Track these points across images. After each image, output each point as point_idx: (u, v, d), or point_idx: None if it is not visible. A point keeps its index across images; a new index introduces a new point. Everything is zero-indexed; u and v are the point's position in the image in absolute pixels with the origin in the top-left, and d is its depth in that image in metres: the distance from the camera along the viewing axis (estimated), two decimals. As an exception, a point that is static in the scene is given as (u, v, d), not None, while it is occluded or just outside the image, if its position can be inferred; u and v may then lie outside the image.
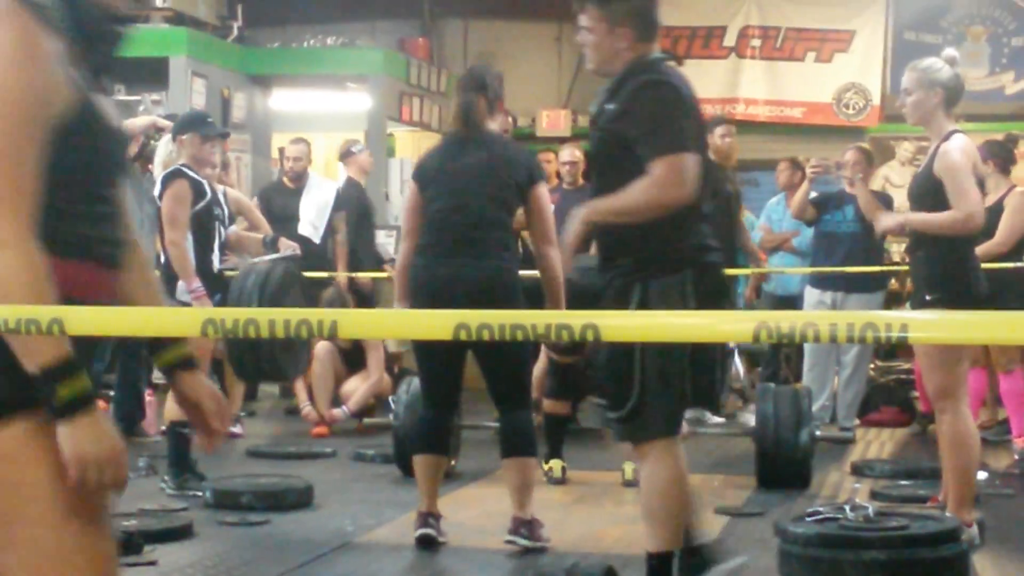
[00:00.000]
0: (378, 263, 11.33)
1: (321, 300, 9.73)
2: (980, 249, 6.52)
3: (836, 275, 9.51)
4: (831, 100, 14.97)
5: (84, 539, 2.51)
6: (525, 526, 6.08)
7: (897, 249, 11.76)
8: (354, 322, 2.40)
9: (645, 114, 4.66)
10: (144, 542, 5.98)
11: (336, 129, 14.28)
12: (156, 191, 7.57)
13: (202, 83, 12.28)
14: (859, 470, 8.29)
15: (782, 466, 7.67)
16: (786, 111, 15.06)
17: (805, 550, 5.18)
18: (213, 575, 5.77)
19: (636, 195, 4.62)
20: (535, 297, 6.19)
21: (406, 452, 7.25)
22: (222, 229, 7.77)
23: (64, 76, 2.49)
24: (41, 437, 2.44)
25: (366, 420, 9.77)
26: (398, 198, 13.25)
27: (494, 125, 6.21)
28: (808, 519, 5.36)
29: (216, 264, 7.69)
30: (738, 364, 10.16)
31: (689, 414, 10.13)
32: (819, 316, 2.20)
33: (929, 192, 5.98)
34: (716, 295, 4.73)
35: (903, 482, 7.74)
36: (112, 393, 9.57)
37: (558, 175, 11.15)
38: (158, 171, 7.84)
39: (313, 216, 10.85)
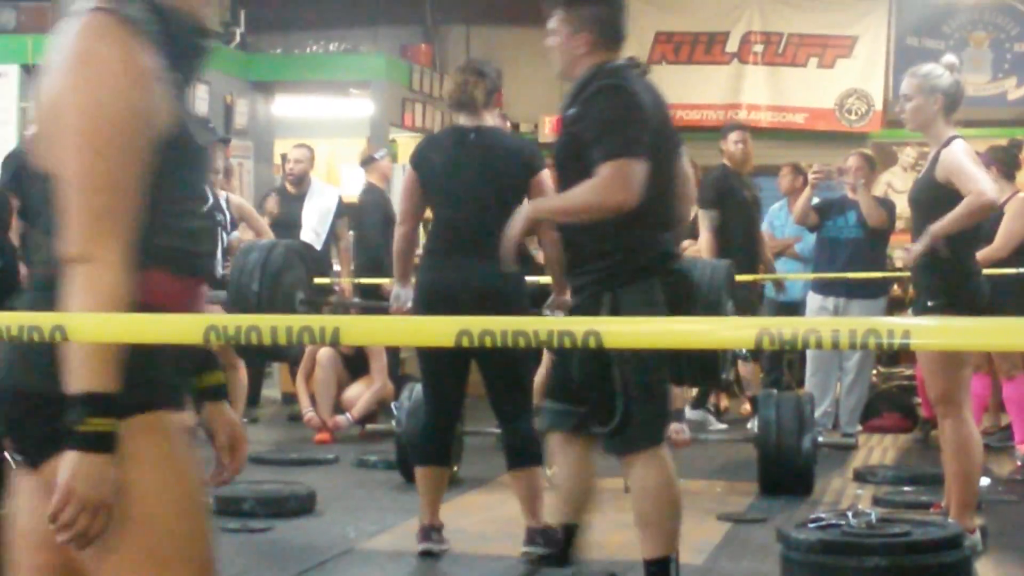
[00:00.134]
0: None
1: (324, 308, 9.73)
2: (979, 255, 6.52)
3: (838, 281, 9.49)
4: (833, 106, 14.98)
5: (188, 546, 2.52)
6: (540, 535, 6.10)
7: (900, 255, 11.76)
8: (356, 329, 2.40)
9: (598, 118, 4.72)
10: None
11: (338, 135, 14.30)
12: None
13: (204, 89, 12.29)
14: (861, 476, 8.27)
15: (784, 472, 7.67)
16: (788, 117, 15.06)
17: (807, 556, 5.17)
18: (215, 581, 5.76)
19: (579, 196, 4.71)
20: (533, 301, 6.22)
21: (408, 458, 7.24)
22: (224, 235, 7.77)
23: (163, 92, 2.50)
24: (153, 439, 2.45)
25: (368, 426, 9.77)
26: (400, 204, 13.24)
27: (491, 118, 6.21)
28: (810, 525, 5.35)
29: (219, 270, 7.69)
30: (749, 370, 10.14)
31: (695, 415, 10.17)
32: (821, 322, 2.20)
33: (930, 197, 5.98)
34: (684, 303, 4.78)
35: (905, 488, 7.74)
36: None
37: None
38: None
39: (315, 222, 10.85)
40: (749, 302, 9.43)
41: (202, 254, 2.64)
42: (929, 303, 5.99)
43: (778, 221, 11.11)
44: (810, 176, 9.70)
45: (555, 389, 5.18)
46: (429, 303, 5.96)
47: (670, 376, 8.41)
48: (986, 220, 6.42)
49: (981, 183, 5.80)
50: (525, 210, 4.92)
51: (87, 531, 2.38)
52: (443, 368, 6.13)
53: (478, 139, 6.08)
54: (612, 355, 4.68)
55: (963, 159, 5.85)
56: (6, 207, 8.31)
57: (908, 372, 11.09)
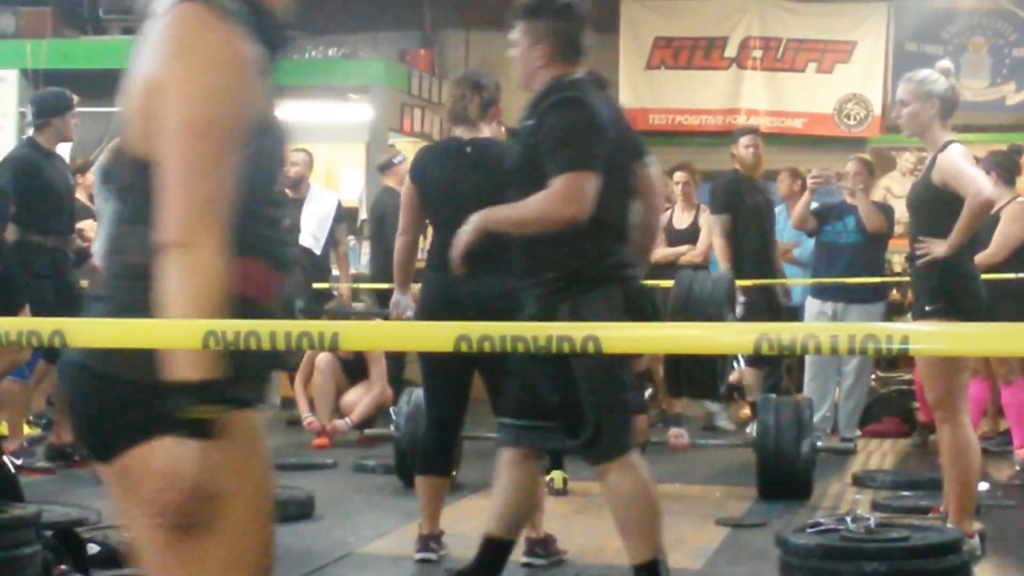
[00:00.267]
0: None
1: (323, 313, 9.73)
2: (976, 259, 6.53)
3: (837, 286, 9.50)
4: (832, 111, 14.99)
5: (253, 555, 2.54)
6: (539, 544, 6.12)
7: (898, 260, 11.77)
8: (355, 334, 2.40)
9: (554, 130, 4.76)
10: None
11: (337, 140, 14.29)
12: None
13: (203, 94, 12.29)
14: (860, 481, 8.28)
15: (783, 477, 7.67)
16: (787, 122, 15.06)
17: (806, 561, 5.17)
18: (214, 586, 5.76)
19: (532, 207, 4.74)
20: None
21: (407, 463, 7.25)
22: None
23: (260, 83, 2.53)
24: (232, 446, 2.45)
25: (367, 431, 9.77)
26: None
27: (488, 130, 6.22)
28: (809, 530, 5.36)
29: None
30: (748, 375, 10.14)
31: (713, 406, 10.14)
32: (820, 328, 2.21)
33: (927, 202, 5.99)
34: (641, 312, 4.81)
35: (904, 493, 7.74)
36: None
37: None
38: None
39: (314, 227, 10.84)
40: (763, 307, 9.48)
41: (288, 243, 2.65)
42: (927, 307, 5.99)
43: (777, 226, 11.12)
44: (809, 181, 9.70)
45: (514, 406, 5.17)
46: (431, 317, 5.95)
47: (669, 387, 8.43)
48: (983, 225, 6.43)
49: (978, 182, 5.82)
50: (476, 220, 4.89)
51: (190, 515, 2.39)
52: (446, 379, 6.12)
53: (474, 152, 6.08)
54: (576, 366, 4.72)
55: (960, 162, 5.87)
56: (5, 209, 8.31)
57: (907, 377, 11.09)
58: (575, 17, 4.98)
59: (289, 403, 11.14)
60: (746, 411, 10.56)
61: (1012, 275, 8.76)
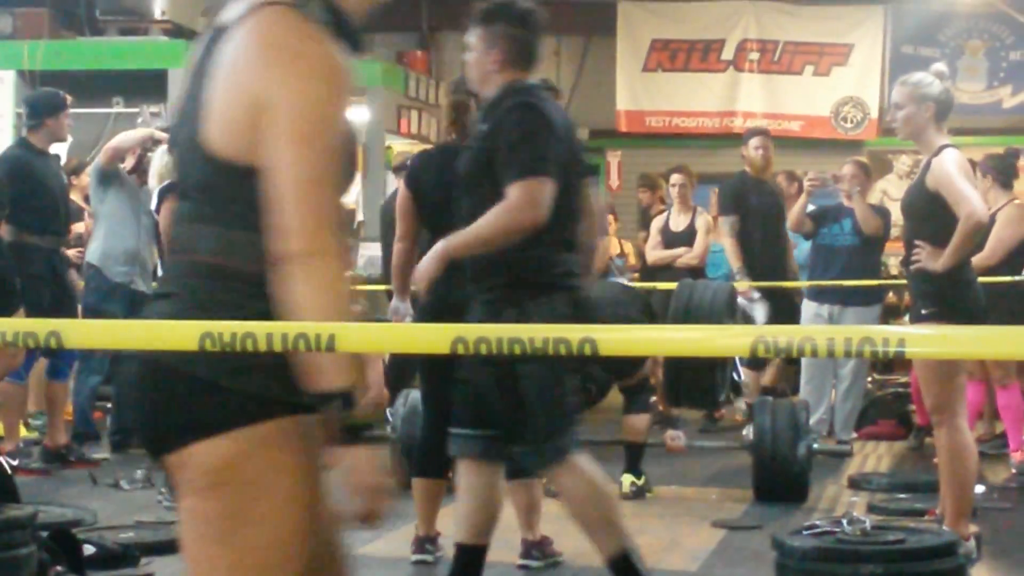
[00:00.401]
0: None
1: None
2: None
3: (833, 288, 9.50)
4: (829, 113, 15.00)
5: (296, 558, 2.55)
6: (536, 547, 6.12)
7: (895, 262, 11.77)
8: (352, 336, 2.40)
9: (509, 135, 4.77)
10: (141, 554, 5.98)
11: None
12: (152, 204, 7.56)
13: (200, 95, 12.28)
14: (856, 483, 8.28)
15: (779, 479, 7.67)
16: (784, 124, 15.07)
17: (802, 564, 5.17)
18: (210, 588, 5.75)
19: (490, 223, 4.74)
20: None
21: (403, 465, 7.24)
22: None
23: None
24: (289, 443, 2.49)
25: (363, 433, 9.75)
26: (396, 211, 13.23)
27: None
28: (805, 532, 5.35)
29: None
30: (746, 378, 10.15)
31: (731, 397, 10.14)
32: (817, 330, 2.21)
33: (921, 205, 5.99)
34: (587, 320, 4.83)
35: (900, 495, 7.74)
36: (109, 405, 9.56)
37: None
38: (153, 183, 7.84)
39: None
40: (778, 307, 9.53)
41: (349, 248, 2.68)
42: (924, 311, 6.00)
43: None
44: (806, 183, 9.71)
45: (461, 415, 5.18)
46: (441, 310, 5.95)
47: (668, 397, 8.43)
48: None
49: (970, 202, 5.80)
50: (438, 249, 4.90)
51: (380, 509, 2.52)
52: (443, 381, 6.11)
53: None
54: (522, 372, 4.73)
55: (952, 172, 5.85)
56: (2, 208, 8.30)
57: (903, 379, 11.09)
58: (531, 24, 5.00)
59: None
60: (739, 416, 10.56)
61: (1007, 278, 8.77)
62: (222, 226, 2.50)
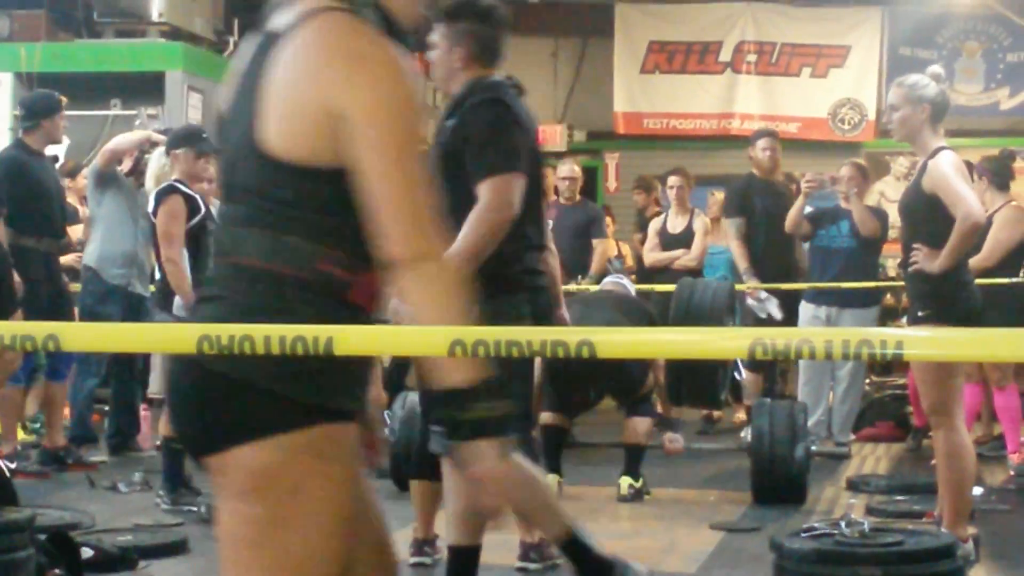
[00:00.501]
0: None
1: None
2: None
3: (831, 290, 9.50)
4: (826, 115, 15.01)
5: (335, 561, 2.56)
6: (534, 550, 6.11)
7: (892, 264, 11.78)
8: (349, 338, 2.40)
9: (477, 131, 4.77)
10: (139, 557, 5.98)
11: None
12: (150, 207, 7.56)
13: (198, 98, 12.29)
14: (855, 485, 8.28)
15: (778, 481, 7.67)
16: (781, 126, 15.05)
17: (801, 566, 5.17)
18: (208, 590, 5.76)
19: (475, 233, 4.67)
20: None
21: (402, 467, 7.24)
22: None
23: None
24: (331, 451, 2.51)
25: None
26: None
27: None
28: (804, 535, 5.35)
29: (210, 278, 7.68)
30: (747, 379, 10.15)
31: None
32: (814, 333, 2.21)
33: (918, 207, 6.00)
34: (547, 319, 4.82)
35: (899, 497, 7.74)
36: (107, 408, 9.56)
37: (555, 190, 11.15)
38: (150, 185, 7.84)
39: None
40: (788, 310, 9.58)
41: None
42: (921, 313, 6.00)
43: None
44: (803, 185, 9.71)
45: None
46: None
47: (670, 396, 8.43)
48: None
49: (967, 204, 5.80)
50: None
51: (501, 508, 2.55)
52: None
53: None
54: None
55: (948, 174, 5.85)
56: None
57: (901, 381, 11.09)
58: (495, 20, 5.00)
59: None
60: (742, 415, 10.56)
61: (1004, 280, 8.77)
62: (272, 230, 2.51)
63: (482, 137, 4.75)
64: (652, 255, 10.93)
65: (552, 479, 7.84)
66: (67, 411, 9.19)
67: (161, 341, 2.40)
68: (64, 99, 8.84)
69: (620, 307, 7.83)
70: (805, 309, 9.70)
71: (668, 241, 10.86)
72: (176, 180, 7.52)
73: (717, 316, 7.98)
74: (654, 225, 11.09)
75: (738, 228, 9.91)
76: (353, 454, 2.56)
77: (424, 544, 6.20)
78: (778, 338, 2.28)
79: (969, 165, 7.64)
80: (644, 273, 10.91)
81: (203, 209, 7.59)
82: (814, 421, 9.36)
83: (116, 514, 7.19)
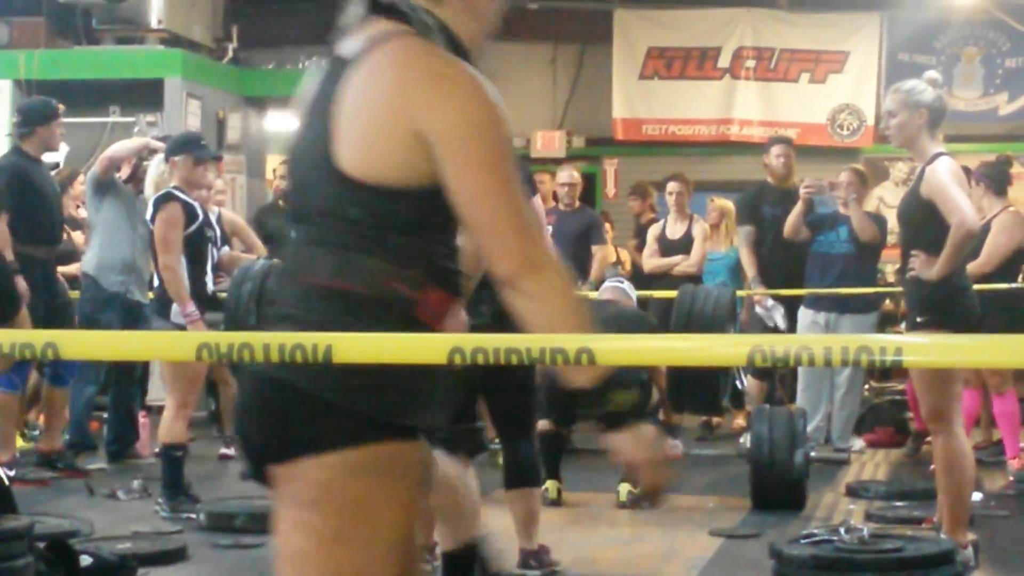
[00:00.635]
0: None
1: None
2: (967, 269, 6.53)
3: (830, 296, 9.51)
4: (825, 121, 15.00)
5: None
6: (533, 556, 6.11)
7: (891, 270, 11.78)
8: (349, 346, 2.41)
9: None
10: (138, 565, 5.97)
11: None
12: (148, 214, 7.56)
13: (197, 104, 12.29)
14: (854, 491, 8.28)
15: (777, 487, 7.67)
16: (780, 132, 15.05)
17: (800, 572, 5.17)
18: (207, 598, 5.75)
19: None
20: None
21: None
22: (215, 251, 7.77)
23: None
24: (397, 468, 2.53)
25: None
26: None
27: None
28: (803, 541, 5.36)
29: (210, 286, 7.69)
30: (750, 385, 10.16)
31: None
32: (813, 339, 2.22)
33: (917, 213, 6.00)
34: (501, 326, 4.83)
35: (898, 503, 7.74)
36: (105, 415, 9.55)
37: (554, 196, 11.15)
38: (149, 192, 7.84)
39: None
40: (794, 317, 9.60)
41: (459, 272, 2.70)
42: (919, 319, 6.00)
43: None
44: (801, 191, 9.71)
45: None
46: None
47: (672, 403, 8.42)
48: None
49: (961, 211, 5.80)
50: None
51: (662, 479, 2.67)
52: None
53: None
54: None
55: (945, 180, 5.85)
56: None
57: (900, 387, 11.09)
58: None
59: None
60: (741, 421, 10.56)
61: (1003, 285, 8.77)
62: (343, 249, 2.54)
63: None
64: (651, 261, 10.93)
65: (551, 485, 7.85)
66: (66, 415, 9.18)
67: (160, 349, 2.40)
68: (61, 106, 8.84)
69: (619, 323, 7.74)
70: (804, 315, 9.71)
71: (667, 247, 10.86)
72: (174, 187, 7.52)
73: (719, 324, 7.98)
74: (653, 231, 11.10)
75: (747, 236, 9.96)
76: (420, 474, 2.59)
77: (423, 551, 6.19)
78: (777, 345, 2.28)
79: (967, 170, 7.64)
80: (641, 279, 10.91)
81: (201, 216, 7.59)
82: (813, 427, 9.36)
83: (115, 522, 7.19)
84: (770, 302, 9.75)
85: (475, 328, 4.83)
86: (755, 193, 10.19)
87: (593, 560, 6.48)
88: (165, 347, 2.40)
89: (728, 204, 11.48)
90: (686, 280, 10.29)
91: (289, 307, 2.61)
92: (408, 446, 2.54)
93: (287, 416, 2.53)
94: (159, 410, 8.37)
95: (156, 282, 7.56)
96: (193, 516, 7.20)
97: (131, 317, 8.76)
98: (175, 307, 7.36)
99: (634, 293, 8.84)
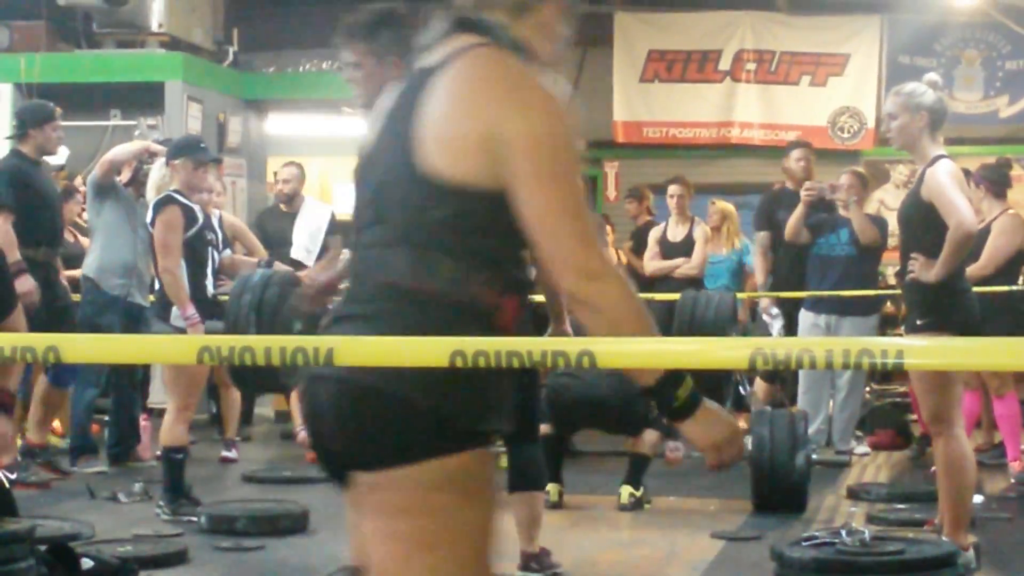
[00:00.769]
0: None
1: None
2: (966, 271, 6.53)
3: (831, 298, 9.51)
4: (826, 123, 15.00)
5: None
6: (535, 559, 6.10)
7: (892, 272, 11.78)
8: (350, 349, 2.41)
9: None
10: (139, 567, 5.97)
11: (331, 153, 14.29)
12: (148, 217, 7.57)
13: (198, 108, 12.30)
14: (855, 493, 8.28)
15: (778, 490, 7.67)
16: (781, 134, 15.06)
17: (801, 575, 5.17)
18: (208, 601, 5.75)
19: None
20: None
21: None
22: (215, 254, 7.77)
23: None
24: (482, 474, 2.58)
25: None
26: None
27: None
28: (804, 543, 5.35)
29: (210, 289, 7.69)
30: (759, 388, 10.16)
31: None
32: (815, 342, 2.22)
33: (917, 216, 6.00)
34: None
35: (899, 506, 7.73)
36: (107, 418, 9.56)
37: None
38: (151, 195, 7.84)
39: (306, 240, 10.83)
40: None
41: (528, 281, 2.77)
42: (919, 321, 6.00)
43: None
44: (802, 194, 9.71)
45: None
46: None
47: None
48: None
49: (959, 213, 5.80)
50: None
51: (738, 453, 2.74)
52: None
53: None
54: None
55: (944, 183, 5.86)
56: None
57: (901, 389, 11.10)
58: (410, 22, 4.94)
59: (283, 417, 11.15)
60: (743, 423, 10.56)
61: (1003, 288, 8.77)
62: (423, 249, 2.58)
63: None
64: (653, 264, 10.94)
65: (553, 488, 7.85)
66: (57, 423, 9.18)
67: (161, 352, 2.40)
68: (59, 110, 8.82)
69: None
70: (804, 317, 9.71)
71: (668, 250, 10.87)
72: (174, 191, 7.53)
73: (720, 329, 7.98)
74: (654, 234, 11.10)
75: (760, 242, 10.02)
76: (495, 478, 2.65)
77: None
78: (778, 348, 2.28)
79: (967, 173, 7.64)
80: (637, 282, 10.91)
81: (201, 219, 7.59)
82: (814, 429, 9.35)
83: (116, 525, 7.19)
84: (775, 310, 9.78)
85: None
86: (769, 199, 10.21)
87: (594, 562, 6.48)
88: (166, 350, 2.40)
89: (729, 207, 11.48)
90: (687, 282, 10.30)
91: (357, 307, 2.65)
92: (486, 452, 2.59)
93: (378, 424, 2.55)
94: (160, 413, 8.37)
95: (157, 285, 7.56)
96: (194, 519, 7.20)
97: (132, 320, 8.76)
98: (175, 310, 7.36)
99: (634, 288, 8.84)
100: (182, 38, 12.49)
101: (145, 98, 11.81)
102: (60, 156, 9.57)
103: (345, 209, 12.34)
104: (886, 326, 10.84)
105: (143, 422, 9.55)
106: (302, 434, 9.91)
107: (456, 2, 2.76)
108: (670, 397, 2.60)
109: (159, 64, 12.15)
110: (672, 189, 11.03)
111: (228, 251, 8.43)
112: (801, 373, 9.86)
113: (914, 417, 10.08)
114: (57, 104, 8.98)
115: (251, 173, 13.63)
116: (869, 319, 9.64)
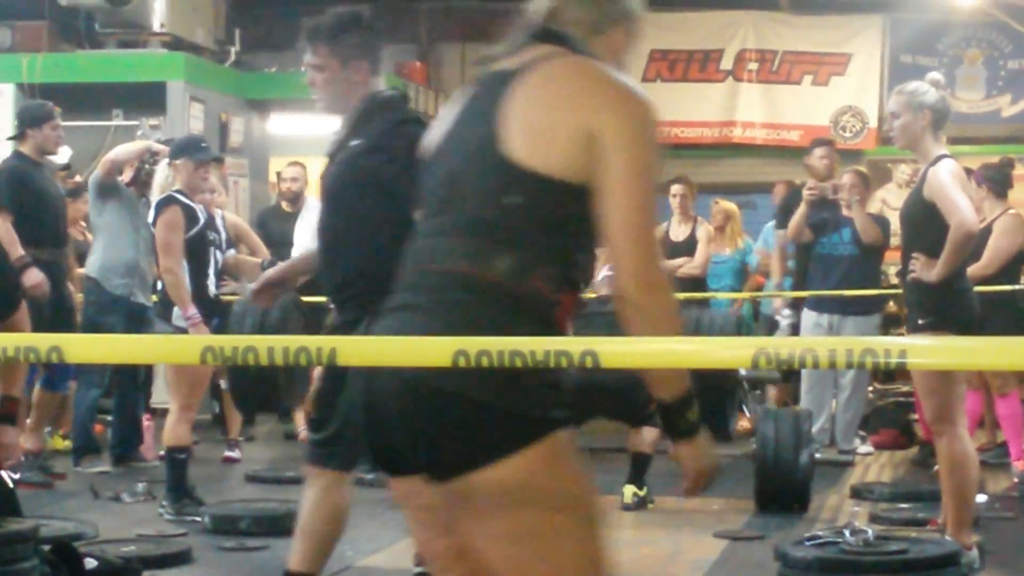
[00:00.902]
0: None
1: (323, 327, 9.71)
2: (968, 271, 6.52)
3: (833, 298, 9.51)
4: (828, 123, 15.00)
5: (606, 549, 2.71)
6: None
7: (894, 272, 11.78)
8: (353, 349, 2.40)
9: (407, 153, 4.46)
10: (142, 567, 5.97)
11: (334, 153, 14.29)
12: (150, 217, 7.57)
13: (200, 108, 12.30)
14: (858, 493, 8.27)
15: (781, 489, 7.67)
16: (783, 134, 15.08)
17: (805, 574, 5.17)
18: (211, 601, 5.75)
19: None
20: None
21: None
22: (218, 254, 7.77)
23: None
24: (570, 454, 2.63)
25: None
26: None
27: None
28: (808, 543, 5.36)
29: (213, 289, 7.69)
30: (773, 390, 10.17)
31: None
32: (818, 342, 2.22)
33: (920, 215, 6.00)
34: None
35: (902, 505, 7.73)
36: (110, 418, 9.56)
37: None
38: (155, 196, 7.85)
39: (308, 240, 10.82)
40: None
41: (585, 280, 2.80)
42: (920, 321, 6.00)
43: (773, 238, 11.13)
44: (805, 193, 9.70)
45: (314, 421, 5.00)
46: None
47: None
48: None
49: (960, 213, 5.80)
50: None
51: (710, 483, 2.82)
52: None
53: None
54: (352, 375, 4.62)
55: (946, 183, 5.85)
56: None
57: (905, 388, 11.09)
58: (376, 28, 4.92)
59: (286, 417, 11.14)
60: (746, 423, 10.55)
61: (1005, 287, 8.76)
62: (490, 238, 2.62)
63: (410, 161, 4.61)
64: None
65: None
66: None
67: (164, 352, 2.40)
68: (57, 109, 8.82)
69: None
70: (807, 316, 9.71)
71: (671, 249, 10.86)
72: (176, 191, 7.53)
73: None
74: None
75: (778, 239, 10.03)
76: (578, 453, 2.69)
77: (426, 554, 6.20)
78: (781, 347, 2.28)
79: (969, 172, 7.63)
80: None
81: (202, 219, 7.60)
82: (817, 429, 9.35)
83: (119, 524, 7.19)
84: (787, 311, 9.81)
85: (340, 327, 4.82)
86: (791, 197, 10.21)
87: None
88: (169, 350, 2.40)
89: (732, 206, 11.48)
90: (690, 282, 10.29)
91: (411, 296, 2.66)
92: (565, 432, 2.62)
93: (456, 428, 2.56)
94: (163, 413, 8.37)
95: (159, 285, 7.57)
96: (197, 519, 7.20)
97: (135, 320, 8.76)
98: (176, 310, 7.36)
99: None
100: (184, 38, 12.49)
101: (147, 98, 11.82)
102: (63, 156, 9.57)
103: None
104: (889, 325, 10.84)
105: (146, 422, 9.55)
106: (305, 434, 9.92)
107: (534, 16, 2.84)
108: (684, 416, 2.69)
109: (161, 64, 12.16)
110: (674, 189, 11.02)
111: (232, 251, 8.43)
112: (804, 373, 9.85)
113: (916, 417, 10.08)
114: (59, 104, 8.98)
115: (253, 173, 13.63)
116: (872, 318, 9.64)
